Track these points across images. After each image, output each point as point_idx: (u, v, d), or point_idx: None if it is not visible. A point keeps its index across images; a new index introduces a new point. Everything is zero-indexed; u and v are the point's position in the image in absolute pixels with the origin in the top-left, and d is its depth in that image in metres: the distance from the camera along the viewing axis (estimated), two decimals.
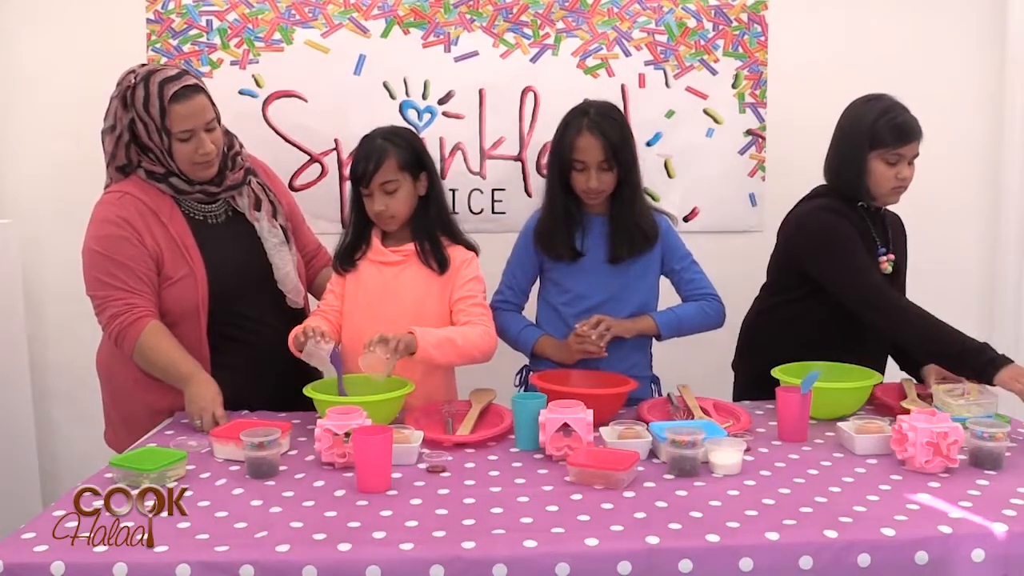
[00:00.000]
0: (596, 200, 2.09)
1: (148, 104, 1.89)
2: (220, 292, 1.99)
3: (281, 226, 2.12)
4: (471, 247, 2.08)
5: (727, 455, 1.59)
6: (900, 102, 2.09)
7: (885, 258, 2.12)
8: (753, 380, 2.13)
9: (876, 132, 2.05)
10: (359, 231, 2.07)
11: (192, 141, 1.93)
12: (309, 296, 2.26)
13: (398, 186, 1.97)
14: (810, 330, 2.12)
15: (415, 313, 1.97)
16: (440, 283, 2.02)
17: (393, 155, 1.97)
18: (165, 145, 1.93)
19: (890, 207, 2.19)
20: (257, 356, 2.04)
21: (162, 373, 1.93)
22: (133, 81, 1.91)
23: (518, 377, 2.25)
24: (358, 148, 2.02)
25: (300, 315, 2.16)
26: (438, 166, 2.73)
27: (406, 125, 2.67)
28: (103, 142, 1.99)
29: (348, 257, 2.06)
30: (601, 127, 2.01)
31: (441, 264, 2.01)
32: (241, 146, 2.12)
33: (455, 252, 2.05)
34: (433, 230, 2.04)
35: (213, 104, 1.98)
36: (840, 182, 2.12)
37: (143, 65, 1.97)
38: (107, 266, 1.92)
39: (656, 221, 2.13)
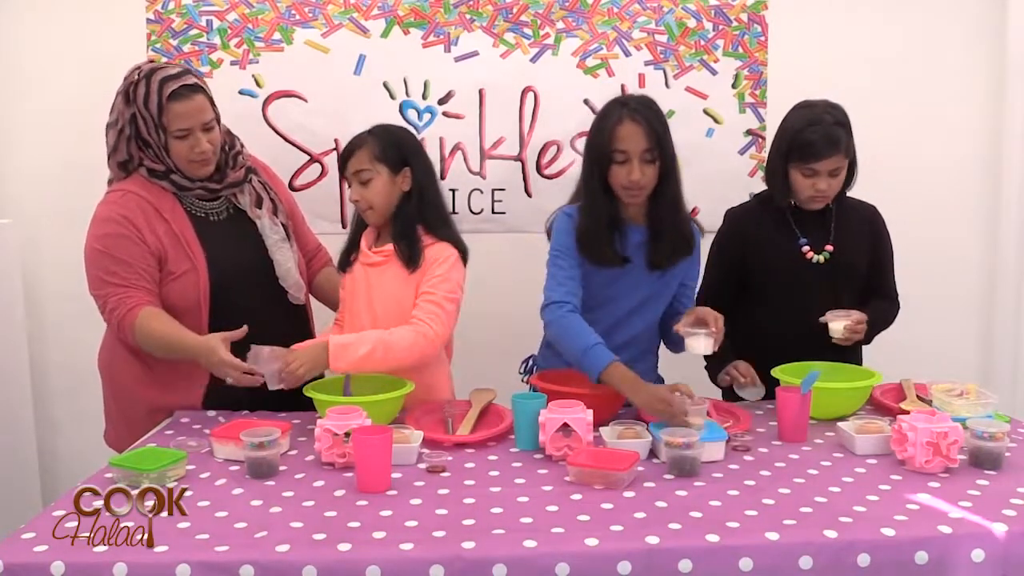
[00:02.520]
0: (637, 199, 1.94)
1: (148, 100, 1.91)
2: (221, 287, 2.00)
3: (282, 224, 2.13)
4: (457, 246, 2.01)
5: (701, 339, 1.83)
6: (831, 111, 2.03)
7: (808, 248, 2.12)
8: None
9: (793, 144, 2.06)
10: (355, 232, 2.09)
11: (188, 139, 1.94)
12: (309, 295, 2.26)
13: (371, 176, 1.96)
14: (776, 331, 2.12)
15: (399, 313, 1.94)
16: (417, 281, 1.97)
17: (368, 145, 1.98)
18: (161, 141, 1.94)
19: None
20: None
21: (167, 353, 1.93)
22: (137, 77, 1.93)
23: (523, 365, 2.20)
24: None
25: (301, 311, 2.17)
26: (438, 166, 2.74)
27: (406, 125, 2.67)
28: (106, 135, 2.00)
29: (345, 257, 2.09)
30: (643, 114, 1.90)
31: (408, 262, 1.96)
32: (243, 146, 2.14)
33: (436, 249, 1.98)
34: (410, 227, 1.99)
35: (213, 105, 1.99)
36: (769, 184, 2.17)
37: (149, 62, 2.00)
38: (108, 264, 1.93)
39: (693, 229, 2.05)
